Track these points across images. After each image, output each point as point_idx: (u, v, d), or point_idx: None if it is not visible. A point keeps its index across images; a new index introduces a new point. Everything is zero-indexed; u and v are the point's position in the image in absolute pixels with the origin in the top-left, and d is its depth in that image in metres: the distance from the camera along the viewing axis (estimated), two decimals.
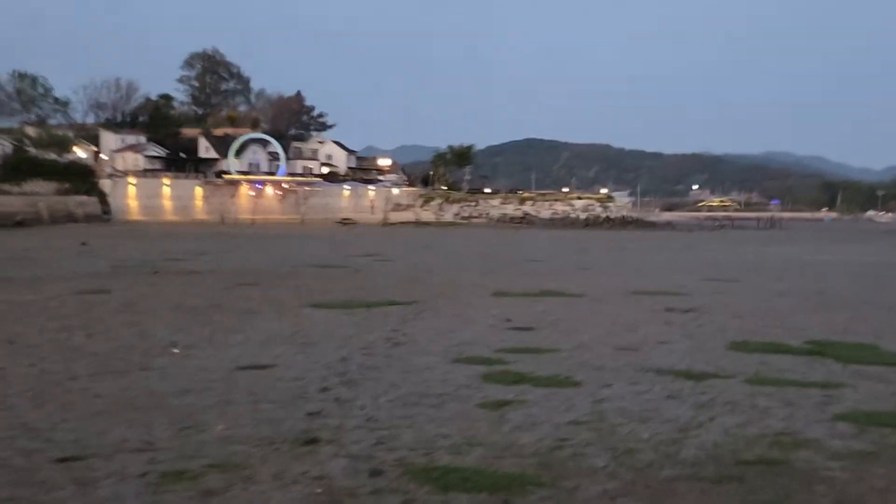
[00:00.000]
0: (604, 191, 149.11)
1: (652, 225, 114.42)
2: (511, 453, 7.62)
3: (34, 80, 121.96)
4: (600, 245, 57.50)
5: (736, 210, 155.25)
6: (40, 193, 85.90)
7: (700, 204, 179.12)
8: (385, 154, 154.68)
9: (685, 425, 8.65)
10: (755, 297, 21.96)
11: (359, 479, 6.87)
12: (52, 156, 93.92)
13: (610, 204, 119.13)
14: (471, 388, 10.42)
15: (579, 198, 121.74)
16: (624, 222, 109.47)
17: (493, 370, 11.48)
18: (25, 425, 8.48)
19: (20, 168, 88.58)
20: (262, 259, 36.01)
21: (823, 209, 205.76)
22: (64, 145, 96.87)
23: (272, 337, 14.30)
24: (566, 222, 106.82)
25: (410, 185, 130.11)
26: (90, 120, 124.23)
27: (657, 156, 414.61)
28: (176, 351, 12.88)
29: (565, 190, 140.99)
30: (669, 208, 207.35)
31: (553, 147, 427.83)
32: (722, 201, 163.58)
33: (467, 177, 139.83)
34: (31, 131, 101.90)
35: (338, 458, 7.44)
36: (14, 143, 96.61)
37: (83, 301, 19.22)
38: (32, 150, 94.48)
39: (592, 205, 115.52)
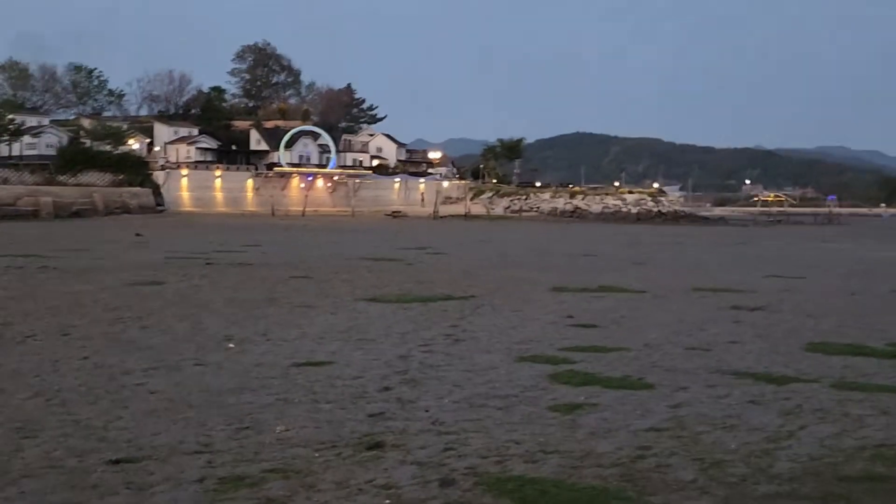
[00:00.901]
0: (655, 185, 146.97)
1: (704, 220, 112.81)
2: (589, 463, 7.08)
3: (90, 73, 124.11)
4: (654, 240, 56.53)
5: (791, 205, 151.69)
6: (95, 184, 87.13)
7: (754, 199, 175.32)
8: (434, 147, 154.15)
9: (774, 435, 8.03)
10: (825, 295, 21.10)
11: (429, 489, 6.38)
12: (107, 147, 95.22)
13: (662, 198, 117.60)
14: (538, 388, 9.90)
15: (630, 192, 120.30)
16: (676, 217, 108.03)
17: (560, 370, 10.95)
18: (79, 423, 8.15)
19: (76, 159, 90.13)
20: (315, 251, 35.82)
21: (881, 205, 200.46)
22: (118, 137, 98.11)
23: (328, 332, 13.92)
24: (618, 216, 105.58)
25: (460, 178, 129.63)
26: (144, 112, 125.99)
27: (708, 150, 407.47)
28: (231, 345, 12.55)
29: (616, 184, 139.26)
30: (721, 203, 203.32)
31: (603, 141, 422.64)
32: (776, 196, 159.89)
33: (517, 170, 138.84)
34: (86, 123, 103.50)
35: (405, 464, 6.96)
36: (70, 134, 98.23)
37: (137, 292, 19.07)
38: (88, 142, 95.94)
39: (644, 199, 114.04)
